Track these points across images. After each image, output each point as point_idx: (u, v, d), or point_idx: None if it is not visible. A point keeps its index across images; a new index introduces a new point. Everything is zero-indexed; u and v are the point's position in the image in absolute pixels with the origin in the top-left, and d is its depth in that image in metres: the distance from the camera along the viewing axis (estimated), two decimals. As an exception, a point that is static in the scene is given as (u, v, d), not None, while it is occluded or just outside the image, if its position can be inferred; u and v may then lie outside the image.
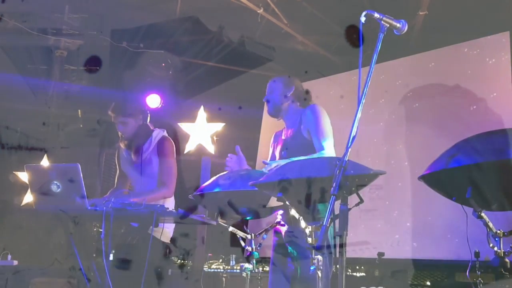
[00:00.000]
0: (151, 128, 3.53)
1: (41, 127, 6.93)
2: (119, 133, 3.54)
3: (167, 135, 3.57)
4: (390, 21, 1.98)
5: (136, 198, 3.24)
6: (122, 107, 3.48)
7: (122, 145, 3.57)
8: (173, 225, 3.49)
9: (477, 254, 2.11)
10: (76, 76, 6.97)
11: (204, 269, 5.35)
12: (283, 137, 3.02)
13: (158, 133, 3.52)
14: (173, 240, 3.59)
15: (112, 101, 3.56)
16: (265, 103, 3.08)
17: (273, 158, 3.05)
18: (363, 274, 5.09)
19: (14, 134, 6.88)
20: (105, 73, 6.68)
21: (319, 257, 1.99)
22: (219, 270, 5.21)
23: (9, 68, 6.67)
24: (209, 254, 5.81)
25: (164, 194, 3.39)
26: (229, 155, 2.89)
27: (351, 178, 1.86)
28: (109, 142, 6.44)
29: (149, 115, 3.56)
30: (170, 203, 3.46)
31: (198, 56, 6.80)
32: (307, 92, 3.08)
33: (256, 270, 2.62)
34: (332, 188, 1.75)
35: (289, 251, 2.70)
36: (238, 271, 4.96)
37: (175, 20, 6.24)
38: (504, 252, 1.92)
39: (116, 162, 3.74)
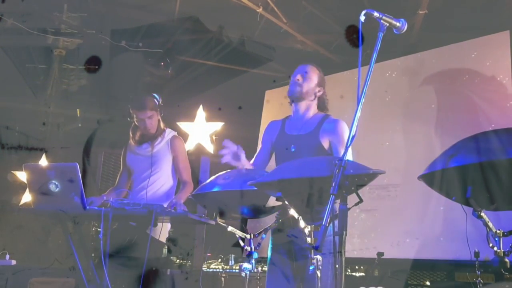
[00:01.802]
0: (163, 125, 3.64)
1: (41, 127, 6.92)
2: (137, 129, 3.58)
3: (178, 135, 3.69)
4: (390, 20, 1.97)
5: (180, 200, 3.26)
6: (148, 101, 3.54)
7: (133, 141, 3.63)
8: (169, 224, 3.50)
9: (476, 254, 2.11)
10: (75, 75, 6.97)
11: (203, 269, 5.34)
12: (288, 131, 2.85)
13: (170, 132, 3.65)
14: (172, 240, 3.60)
15: (118, 101, 3.61)
16: (295, 81, 2.85)
17: (265, 151, 2.92)
18: (362, 274, 5.09)
19: (13, 134, 6.87)
20: (105, 72, 6.68)
21: (319, 256, 1.98)
22: (218, 270, 5.20)
23: (9, 68, 6.66)
24: (207, 254, 5.80)
25: (191, 190, 3.48)
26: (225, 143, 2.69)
27: (351, 178, 1.85)
28: (114, 142, 6.45)
29: (162, 112, 3.65)
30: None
31: (198, 56, 6.80)
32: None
33: (255, 270, 2.60)
34: (331, 188, 1.74)
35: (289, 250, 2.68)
36: (237, 271, 4.95)
37: (174, 20, 6.24)
38: (503, 252, 1.91)
39: (121, 160, 3.75)
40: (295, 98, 2.86)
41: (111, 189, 3.71)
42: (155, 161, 3.53)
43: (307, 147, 2.70)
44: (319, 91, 2.87)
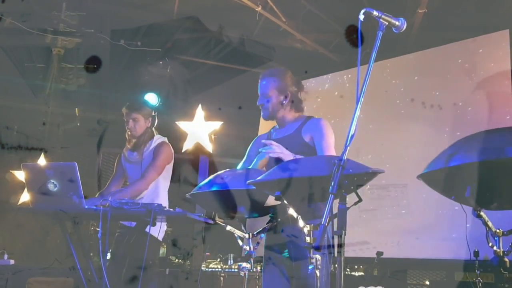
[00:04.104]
0: (154, 133, 3.66)
1: (40, 127, 6.92)
2: (127, 134, 3.59)
3: (167, 142, 3.66)
4: (389, 19, 1.96)
5: (122, 194, 3.24)
6: (137, 105, 3.62)
7: (128, 144, 3.66)
8: (164, 224, 3.49)
9: (476, 253, 2.10)
10: (73, 74, 6.96)
11: (202, 268, 5.34)
12: (273, 137, 2.84)
13: (159, 138, 3.64)
14: (172, 239, 3.60)
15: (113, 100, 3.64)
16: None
17: (249, 161, 2.90)
18: (361, 273, 5.08)
19: (13, 133, 6.86)
20: (104, 72, 6.67)
21: (318, 256, 1.97)
22: (217, 269, 5.20)
23: (9, 68, 6.66)
24: (206, 254, 5.80)
25: (139, 187, 3.41)
26: None
27: (350, 177, 1.84)
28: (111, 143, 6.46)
29: (156, 121, 3.66)
30: (163, 202, 3.47)
31: (198, 55, 6.79)
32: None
33: (254, 270, 2.60)
34: (330, 187, 1.74)
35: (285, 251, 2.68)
36: (236, 270, 4.95)
37: (174, 20, 6.23)
38: (503, 251, 1.90)
39: (115, 163, 3.77)
40: (270, 120, 2.85)
41: (100, 192, 3.69)
42: (143, 168, 3.52)
43: (290, 146, 2.66)
44: (285, 97, 2.79)
